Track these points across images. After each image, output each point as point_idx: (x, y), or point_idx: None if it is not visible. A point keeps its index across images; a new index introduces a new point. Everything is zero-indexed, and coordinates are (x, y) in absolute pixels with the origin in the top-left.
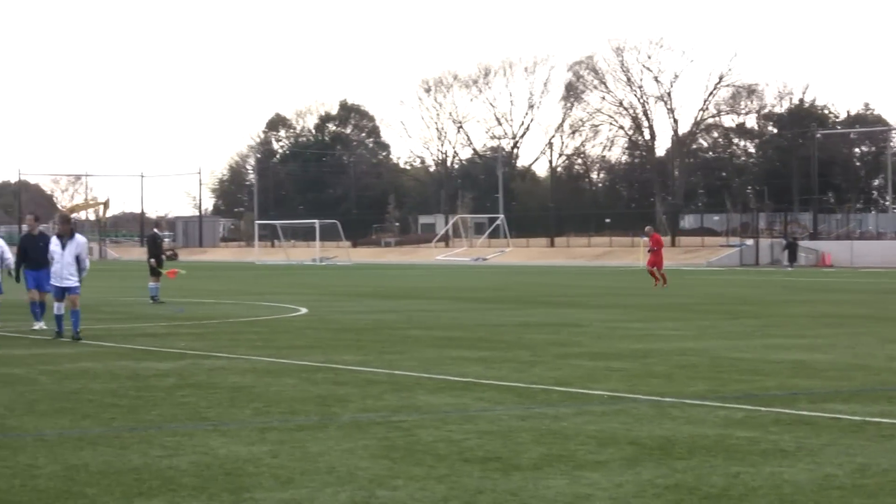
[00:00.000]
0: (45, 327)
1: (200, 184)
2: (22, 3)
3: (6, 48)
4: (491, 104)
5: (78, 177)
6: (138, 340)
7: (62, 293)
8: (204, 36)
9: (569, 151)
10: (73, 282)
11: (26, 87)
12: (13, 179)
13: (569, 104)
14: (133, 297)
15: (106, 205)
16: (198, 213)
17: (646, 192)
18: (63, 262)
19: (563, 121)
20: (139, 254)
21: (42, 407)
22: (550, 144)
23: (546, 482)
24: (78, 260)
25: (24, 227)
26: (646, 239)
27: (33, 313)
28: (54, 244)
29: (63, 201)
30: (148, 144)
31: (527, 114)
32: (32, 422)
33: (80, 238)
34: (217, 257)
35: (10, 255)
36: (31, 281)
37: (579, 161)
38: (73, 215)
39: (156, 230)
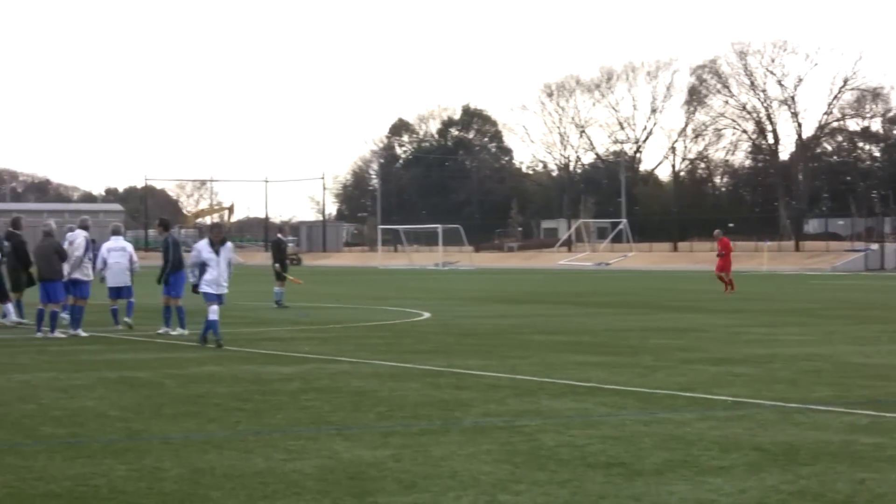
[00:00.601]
0: (184, 332)
1: (324, 189)
2: (148, 13)
3: (134, 57)
4: (613, 108)
5: (203, 182)
6: (263, 345)
7: (217, 299)
8: (328, 41)
9: (692, 156)
10: (226, 288)
11: (154, 94)
12: (139, 185)
13: (692, 108)
14: (258, 302)
15: (230, 210)
16: (321, 218)
17: (769, 196)
18: (219, 268)
19: (686, 125)
20: (263, 258)
21: (168, 410)
22: (673, 149)
23: (669, 487)
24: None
25: (151, 233)
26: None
27: (180, 317)
28: (207, 251)
29: (188, 206)
30: (272, 150)
31: (650, 118)
32: (158, 425)
33: (229, 244)
34: (340, 262)
35: (136, 259)
36: (165, 286)
37: (702, 165)
38: (198, 220)
39: (280, 235)
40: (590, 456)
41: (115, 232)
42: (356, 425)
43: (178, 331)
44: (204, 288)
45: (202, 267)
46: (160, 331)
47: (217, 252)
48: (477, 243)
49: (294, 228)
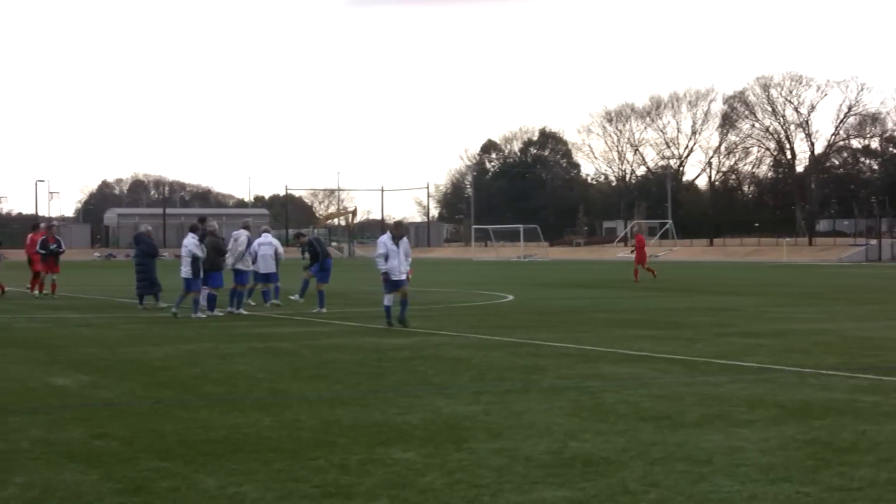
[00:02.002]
0: (322, 311)
1: (428, 195)
2: (287, 37)
3: (277, 83)
4: (661, 131)
5: (332, 191)
6: (380, 321)
7: (395, 286)
8: (434, 76)
9: (724, 169)
10: (405, 276)
11: (295, 117)
12: (281, 193)
13: (725, 130)
14: (376, 287)
15: (353, 213)
16: (426, 219)
17: (787, 201)
18: (399, 258)
19: (720, 144)
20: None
21: (304, 374)
22: (710, 163)
23: (706, 437)
24: (405, 256)
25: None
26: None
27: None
28: (390, 244)
29: (320, 210)
30: (388, 163)
31: (690, 138)
32: (296, 386)
33: (406, 238)
34: (440, 255)
35: (282, 251)
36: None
37: (733, 177)
38: (328, 222)
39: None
40: (642, 411)
41: (265, 231)
42: (454, 386)
43: (316, 309)
44: (387, 276)
45: (385, 257)
46: (314, 311)
47: (397, 245)
48: (551, 240)
49: (406, 228)
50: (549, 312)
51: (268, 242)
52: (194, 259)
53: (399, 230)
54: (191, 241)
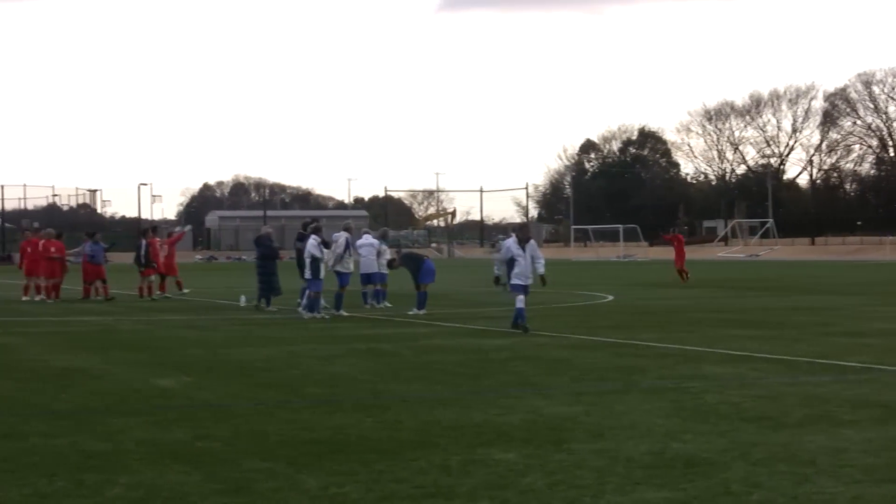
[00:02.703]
0: (419, 313)
1: (527, 196)
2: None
3: (376, 82)
4: (761, 129)
5: (431, 192)
6: (479, 322)
7: (524, 290)
8: (529, 75)
9: (826, 167)
10: (531, 280)
11: (395, 117)
12: (380, 194)
13: (826, 128)
14: (474, 288)
15: (453, 214)
16: (525, 220)
17: (891, 199)
18: (525, 262)
19: (822, 142)
20: (480, 253)
21: (404, 375)
22: (811, 161)
23: (809, 437)
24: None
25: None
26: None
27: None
28: (516, 248)
29: (419, 212)
30: (486, 164)
31: (791, 136)
32: (397, 387)
33: (533, 241)
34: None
35: (386, 251)
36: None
37: (835, 174)
38: (427, 223)
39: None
40: (744, 411)
41: (366, 232)
42: (554, 386)
43: (413, 311)
44: (514, 280)
45: (510, 262)
46: (410, 312)
47: (523, 248)
48: (650, 240)
49: (505, 230)
50: (649, 312)
51: (369, 244)
52: (313, 260)
53: (524, 233)
54: (311, 243)
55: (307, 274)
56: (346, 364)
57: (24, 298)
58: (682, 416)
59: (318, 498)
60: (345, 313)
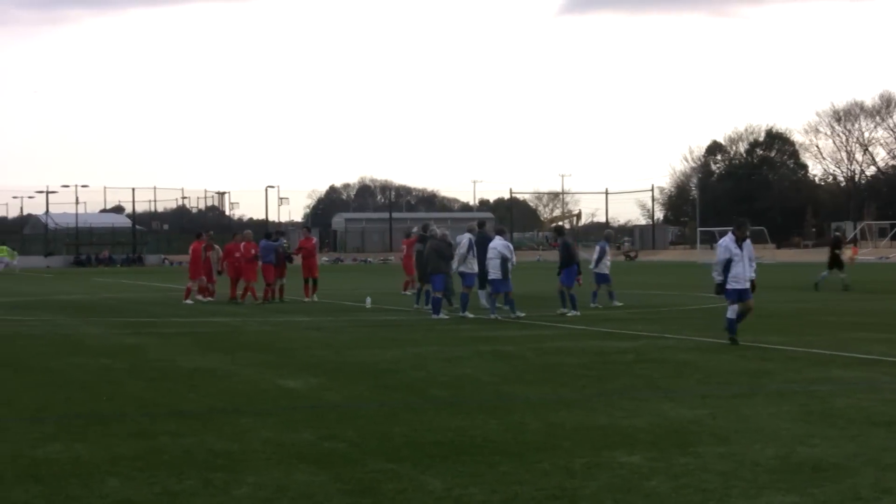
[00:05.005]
0: (577, 314)
1: (653, 199)
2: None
3: (501, 86)
4: (892, 130)
5: (556, 194)
6: (604, 324)
7: (739, 296)
8: (654, 76)
9: None
10: (748, 283)
11: (519, 119)
12: (506, 196)
13: None
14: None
15: (578, 216)
16: (650, 222)
17: None
18: (743, 263)
19: None
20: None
21: (528, 377)
22: None
23: None
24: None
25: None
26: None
27: (572, 302)
28: (734, 248)
29: (544, 214)
30: (611, 165)
31: None
32: (521, 389)
33: (748, 240)
34: (666, 258)
35: (513, 256)
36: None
37: None
38: (552, 225)
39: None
40: (874, 416)
41: (499, 232)
42: (679, 389)
43: (571, 312)
44: (731, 284)
45: (727, 264)
46: (559, 312)
47: (740, 247)
48: (778, 242)
49: (629, 231)
50: (776, 315)
51: (494, 247)
52: (503, 260)
53: (742, 231)
54: (500, 243)
55: (493, 273)
56: (470, 366)
57: (250, 302)
58: (810, 420)
59: (442, 499)
60: (469, 315)
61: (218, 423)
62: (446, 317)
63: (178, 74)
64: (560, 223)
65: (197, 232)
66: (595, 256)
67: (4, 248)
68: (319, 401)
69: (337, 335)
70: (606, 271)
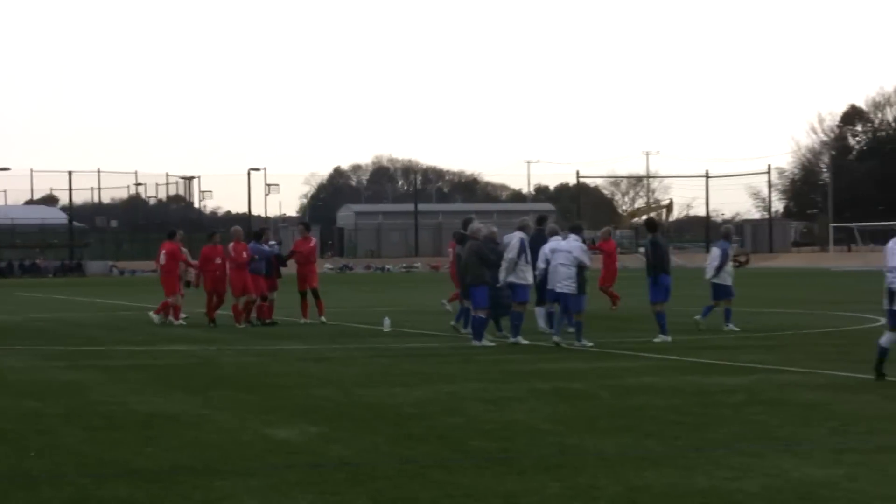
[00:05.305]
0: (667, 339)
1: (769, 184)
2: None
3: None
4: None
5: (639, 179)
6: (705, 353)
7: None
8: (768, 24)
9: None
10: None
11: (588, 84)
12: (571, 182)
13: None
14: (697, 307)
15: (669, 208)
16: (766, 215)
17: None
18: None
19: None
20: (701, 260)
21: (602, 424)
22: None
23: None
24: None
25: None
26: None
27: (661, 323)
28: None
29: (623, 205)
30: (713, 141)
31: None
32: (593, 440)
33: None
34: (788, 263)
35: (587, 259)
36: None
37: None
38: (634, 220)
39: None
40: None
41: (575, 230)
42: (806, 441)
43: (660, 338)
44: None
45: None
46: (657, 339)
47: None
48: None
49: (738, 228)
50: None
51: (569, 250)
52: (580, 269)
53: None
54: (576, 245)
55: (567, 287)
56: (524, 409)
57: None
58: None
59: None
60: (524, 340)
61: (184, 487)
62: (491, 343)
63: (128, 28)
64: (651, 215)
65: (169, 230)
66: (714, 263)
67: None
68: (321, 457)
69: (344, 368)
70: (730, 282)
